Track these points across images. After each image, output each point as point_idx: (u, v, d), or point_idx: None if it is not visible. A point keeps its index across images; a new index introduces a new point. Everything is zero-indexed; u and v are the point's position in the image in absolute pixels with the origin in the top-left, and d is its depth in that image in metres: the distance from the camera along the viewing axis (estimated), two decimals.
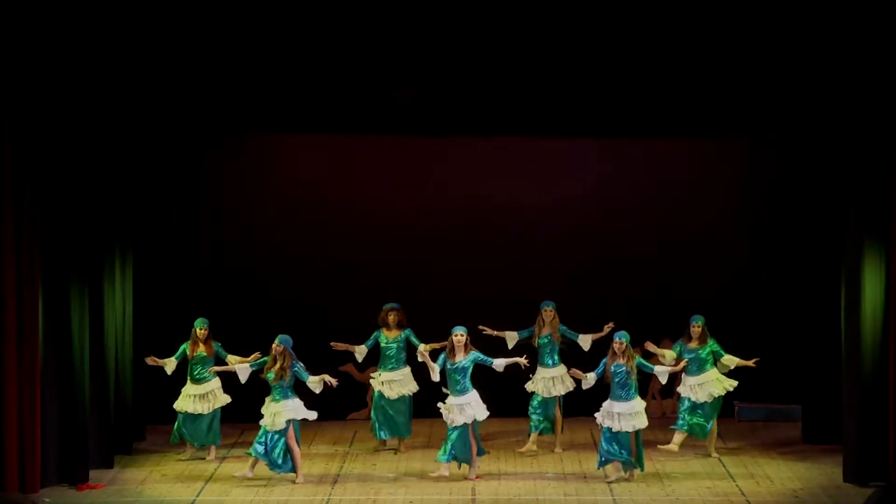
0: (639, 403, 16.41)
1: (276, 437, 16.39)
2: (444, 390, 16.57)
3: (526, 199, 19.70)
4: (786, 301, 19.27)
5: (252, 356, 16.92)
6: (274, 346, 16.48)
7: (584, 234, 19.77)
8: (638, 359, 16.51)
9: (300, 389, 16.63)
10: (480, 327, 17.39)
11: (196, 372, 17.45)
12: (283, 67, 16.25)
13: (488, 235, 19.73)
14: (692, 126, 17.09)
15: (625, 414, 16.26)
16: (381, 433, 17.87)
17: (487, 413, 16.59)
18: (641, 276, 19.73)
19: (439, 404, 16.56)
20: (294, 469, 16.47)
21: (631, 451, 16.31)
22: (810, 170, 17.90)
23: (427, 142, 19.26)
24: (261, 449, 16.33)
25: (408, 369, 17.77)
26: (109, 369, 17.10)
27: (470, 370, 16.49)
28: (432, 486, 16.33)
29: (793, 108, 16.61)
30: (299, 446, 16.53)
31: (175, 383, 17.84)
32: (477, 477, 16.57)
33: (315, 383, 16.52)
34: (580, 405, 18.08)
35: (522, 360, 16.61)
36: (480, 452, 16.72)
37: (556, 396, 17.70)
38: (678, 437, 17.34)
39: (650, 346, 17.21)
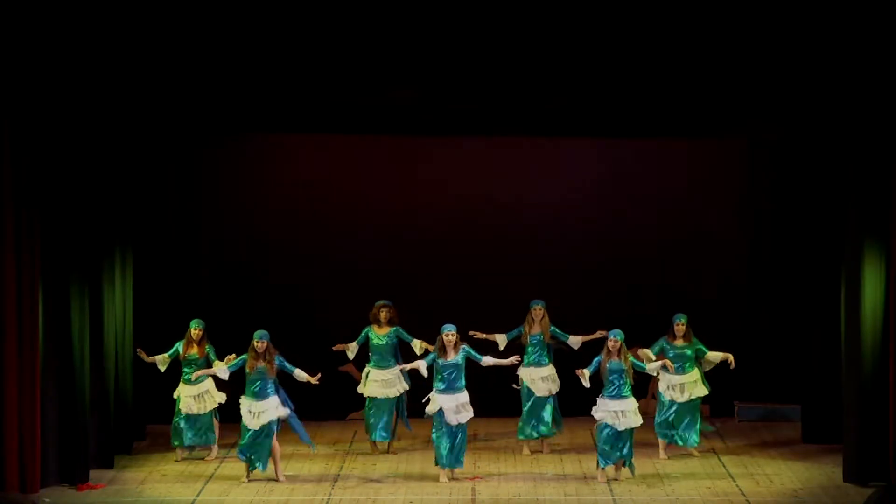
0: (634, 402, 16.42)
1: (264, 436, 16.34)
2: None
3: (526, 199, 19.70)
4: (786, 301, 19.26)
5: (227, 359, 16.84)
6: (257, 343, 16.43)
7: (584, 234, 19.76)
8: (631, 358, 16.52)
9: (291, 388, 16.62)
10: (471, 332, 17.30)
11: (187, 373, 17.43)
12: (283, 67, 16.25)
13: (488, 235, 19.72)
14: (692, 126, 17.09)
15: (627, 412, 16.27)
16: (375, 435, 17.80)
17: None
18: (641, 276, 19.72)
19: (428, 410, 16.47)
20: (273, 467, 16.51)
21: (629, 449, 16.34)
22: (810, 170, 17.90)
23: (427, 142, 19.27)
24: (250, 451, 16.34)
25: (398, 368, 17.72)
26: (109, 369, 17.11)
27: (463, 367, 16.49)
28: (432, 486, 16.33)
29: (793, 109, 16.61)
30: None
31: (174, 383, 17.84)
32: (476, 477, 16.57)
33: (301, 375, 16.55)
34: (580, 405, 18.08)
35: (512, 360, 16.62)
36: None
37: (547, 396, 17.64)
38: (662, 445, 17.43)
39: (641, 352, 17.20)
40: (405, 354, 17.74)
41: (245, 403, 16.52)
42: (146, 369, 18.15)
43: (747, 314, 19.75)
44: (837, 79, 16.00)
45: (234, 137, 19.38)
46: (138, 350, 17.55)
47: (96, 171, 16.53)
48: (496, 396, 18.05)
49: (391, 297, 18.10)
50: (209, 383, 17.49)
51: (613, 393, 16.33)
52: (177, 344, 17.53)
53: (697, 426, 17.48)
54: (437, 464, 16.51)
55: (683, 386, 17.40)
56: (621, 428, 16.27)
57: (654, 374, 17.26)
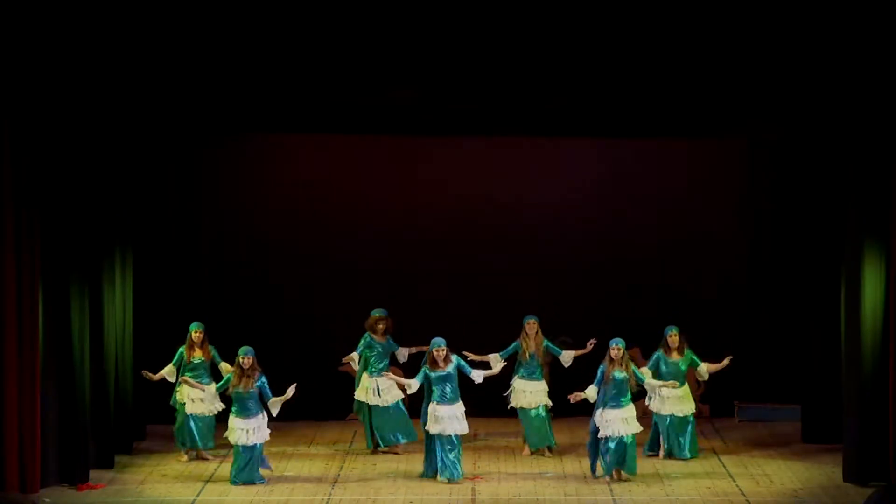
0: (633, 408, 16.40)
1: (258, 451, 16.30)
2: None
3: (526, 199, 19.69)
4: (786, 301, 19.26)
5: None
6: (244, 359, 16.33)
7: (584, 234, 19.75)
8: (633, 367, 16.48)
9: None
10: (464, 353, 17.13)
11: (194, 376, 17.36)
12: (284, 67, 16.25)
13: (488, 235, 19.72)
14: (692, 126, 17.09)
15: (629, 419, 16.23)
16: (382, 442, 17.77)
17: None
18: (641, 276, 19.72)
19: (432, 426, 16.42)
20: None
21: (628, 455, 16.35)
22: (810, 170, 17.90)
23: (427, 142, 19.26)
24: (245, 475, 16.29)
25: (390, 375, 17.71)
26: (109, 369, 17.10)
27: (456, 378, 16.46)
28: (432, 486, 16.33)
29: (793, 109, 16.61)
30: None
31: (174, 383, 17.84)
32: (476, 477, 16.57)
33: (276, 404, 16.36)
34: (579, 405, 18.08)
35: (499, 369, 16.58)
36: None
37: (537, 408, 17.57)
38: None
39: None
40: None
41: (238, 423, 16.36)
42: (146, 369, 18.17)
43: (747, 314, 19.75)
44: (837, 79, 16.00)
45: (234, 137, 19.37)
46: (143, 372, 17.39)
47: (96, 171, 16.53)
48: (496, 397, 18.03)
49: (391, 297, 18.11)
50: (212, 386, 17.46)
51: (614, 403, 16.27)
52: (179, 350, 17.46)
53: (690, 440, 17.37)
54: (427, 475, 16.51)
55: (680, 399, 17.31)
56: (624, 434, 16.21)
57: (651, 392, 17.17)
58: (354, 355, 17.62)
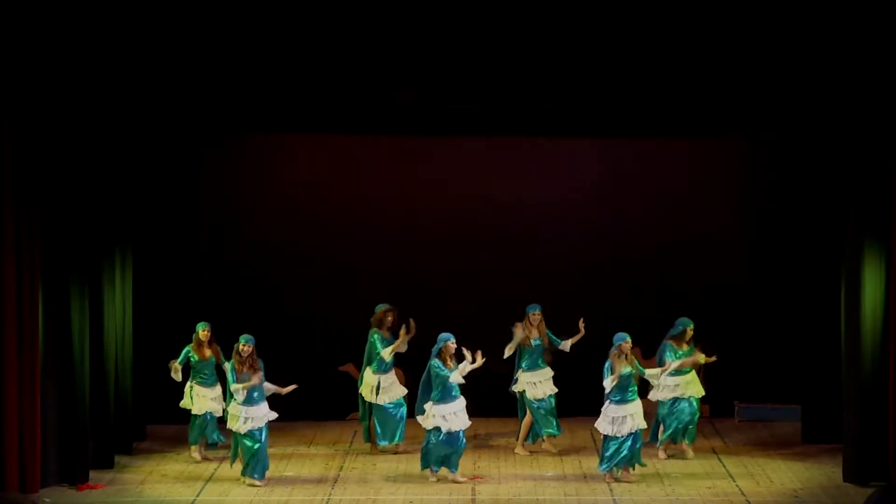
0: (640, 404, 16.40)
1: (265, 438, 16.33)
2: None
3: (526, 199, 19.69)
4: (786, 301, 19.26)
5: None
6: (242, 346, 16.33)
7: (584, 234, 19.76)
8: (636, 362, 16.50)
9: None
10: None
11: (205, 375, 17.37)
12: (284, 67, 16.25)
13: (488, 235, 19.72)
14: (692, 126, 17.08)
15: (636, 415, 16.24)
16: (385, 440, 17.76)
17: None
18: (641, 276, 19.72)
19: (439, 419, 16.45)
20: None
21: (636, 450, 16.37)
22: (810, 170, 17.90)
23: (427, 142, 19.26)
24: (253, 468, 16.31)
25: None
26: (109, 369, 17.10)
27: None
28: (432, 486, 16.33)
29: (793, 109, 16.61)
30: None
31: (175, 383, 17.84)
32: (476, 477, 16.57)
33: (268, 389, 16.44)
34: (579, 405, 18.10)
35: (471, 361, 16.59)
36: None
37: (545, 398, 17.61)
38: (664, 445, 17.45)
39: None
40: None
41: (238, 410, 16.32)
42: (146, 369, 18.18)
43: (747, 314, 19.74)
44: (837, 79, 16.00)
45: (234, 137, 19.37)
46: (172, 363, 17.25)
47: (96, 171, 16.53)
48: (496, 397, 18.02)
49: (391, 297, 18.10)
50: (219, 386, 17.47)
51: (619, 398, 16.26)
52: (185, 349, 17.41)
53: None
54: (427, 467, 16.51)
55: (689, 385, 17.38)
56: (632, 430, 16.21)
57: (653, 381, 17.17)
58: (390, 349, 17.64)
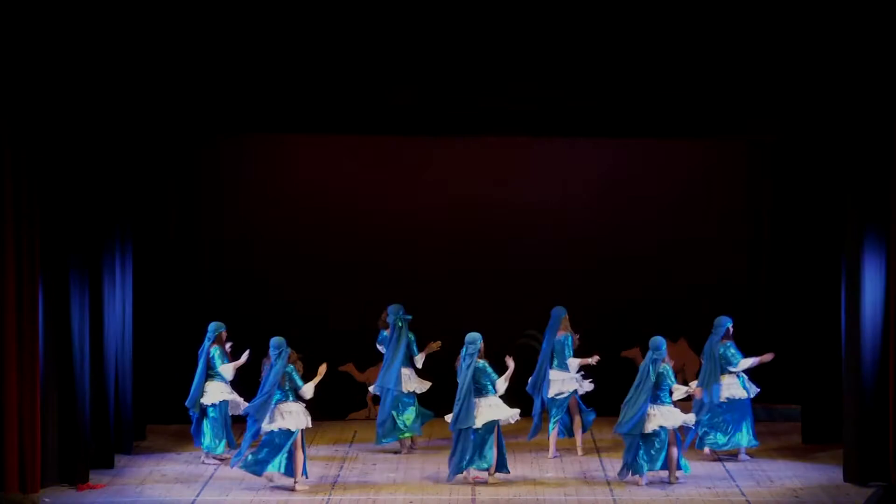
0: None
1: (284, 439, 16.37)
2: None
3: (526, 199, 19.70)
4: (786, 301, 19.26)
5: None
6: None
7: (584, 234, 19.76)
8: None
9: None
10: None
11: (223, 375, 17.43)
12: (283, 67, 16.25)
13: (488, 235, 19.72)
14: (692, 126, 17.07)
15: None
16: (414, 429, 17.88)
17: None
18: (641, 276, 19.72)
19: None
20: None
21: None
22: (810, 169, 17.90)
23: (427, 142, 19.27)
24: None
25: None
26: (109, 369, 17.10)
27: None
28: (432, 486, 16.33)
29: (792, 108, 16.60)
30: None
31: (175, 383, 17.85)
32: (475, 478, 16.56)
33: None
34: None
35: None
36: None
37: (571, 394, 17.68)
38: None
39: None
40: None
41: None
42: (146, 369, 18.18)
43: (747, 314, 19.73)
44: (837, 79, 16.00)
45: (234, 137, 19.37)
46: (245, 356, 17.37)
47: (96, 170, 16.52)
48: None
49: (390, 297, 18.10)
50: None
51: (665, 399, 16.33)
52: (213, 350, 17.34)
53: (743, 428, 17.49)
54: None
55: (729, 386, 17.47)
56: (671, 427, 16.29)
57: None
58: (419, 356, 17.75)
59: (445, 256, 19.71)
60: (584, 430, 17.76)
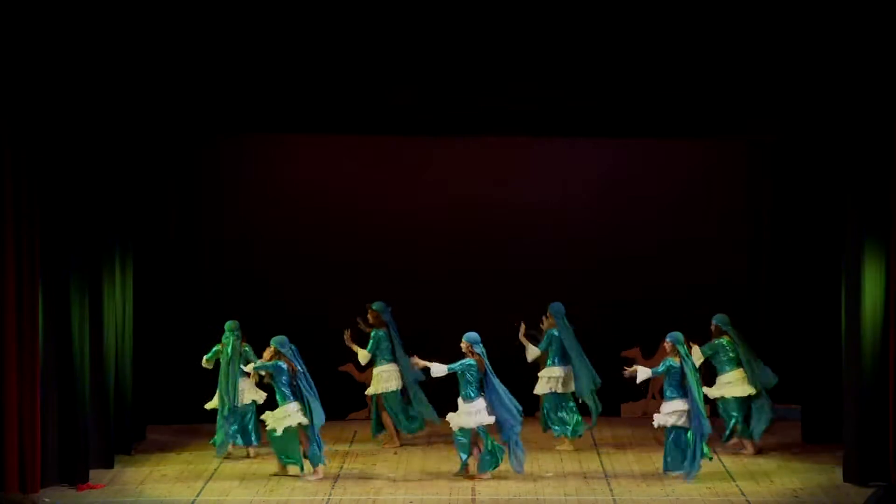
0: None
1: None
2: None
3: (526, 199, 19.69)
4: (786, 301, 19.25)
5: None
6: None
7: (584, 234, 19.75)
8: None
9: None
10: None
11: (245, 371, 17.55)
12: (284, 67, 16.25)
13: (488, 235, 19.71)
14: (692, 126, 17.06)
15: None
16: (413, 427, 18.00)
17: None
18: (641, 276, 19.71)
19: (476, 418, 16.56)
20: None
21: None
22: (810, 170, 17.90)
23: (427, 142, 19.25)
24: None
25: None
26: (109, 369, 17.09)
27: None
28: (432, 486, 16.33)
29: (792, 109, 16.60)
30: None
31: (174, 383, 17.82)
32: (476, 477, 16.57)
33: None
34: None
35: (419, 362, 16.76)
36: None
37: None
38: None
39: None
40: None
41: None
42: (146, 369, 18.17)
43: (747, 314, 19.72)
44: (836, 79, 16.00)
45: (234, 137, 19.37)
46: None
47: (96, 170, 16.52)
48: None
49: (391, 296, 18.10)
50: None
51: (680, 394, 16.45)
52: (246, 347, 17.52)
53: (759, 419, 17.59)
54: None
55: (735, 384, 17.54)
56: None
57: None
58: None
59: (445, 256, 19.70)
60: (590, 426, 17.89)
